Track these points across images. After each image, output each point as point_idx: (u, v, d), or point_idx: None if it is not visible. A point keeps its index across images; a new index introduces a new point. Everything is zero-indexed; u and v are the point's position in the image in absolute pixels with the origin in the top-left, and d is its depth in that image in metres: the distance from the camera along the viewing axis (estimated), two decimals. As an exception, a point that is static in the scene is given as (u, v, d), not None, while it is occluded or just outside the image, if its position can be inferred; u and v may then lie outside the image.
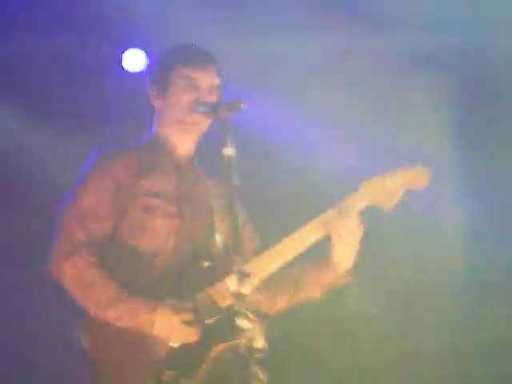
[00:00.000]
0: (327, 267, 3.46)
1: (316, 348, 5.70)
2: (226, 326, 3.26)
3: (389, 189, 3.43)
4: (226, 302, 3.30)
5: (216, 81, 3.57)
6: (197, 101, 3.46)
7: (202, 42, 3.70)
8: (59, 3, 5.34)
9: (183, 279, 3.37)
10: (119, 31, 5.42)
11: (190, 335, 3.26)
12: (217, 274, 3.36)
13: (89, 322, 3.31)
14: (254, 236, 3.70)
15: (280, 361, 5.05)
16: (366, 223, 3.45)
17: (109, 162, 3.48)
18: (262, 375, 2.88)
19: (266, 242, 3.59)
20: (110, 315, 3.26)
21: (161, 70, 3.60)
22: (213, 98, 3.52)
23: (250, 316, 2.90)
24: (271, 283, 3.51)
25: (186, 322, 3.27)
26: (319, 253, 3.53)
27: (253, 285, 3.00)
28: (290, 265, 3.49)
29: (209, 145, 3.59)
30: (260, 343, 2.90)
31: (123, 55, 5.54)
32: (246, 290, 2.93)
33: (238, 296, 2.93)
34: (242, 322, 2.90)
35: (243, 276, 2.94)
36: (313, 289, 3.52)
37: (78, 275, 3.30)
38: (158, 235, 3.42)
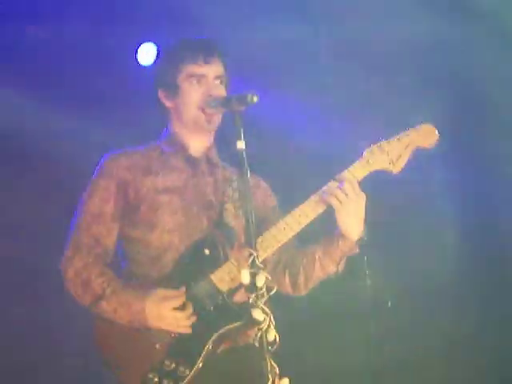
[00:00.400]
0: (336, 238, 3.49)
1: (328, 341, 5.73)
2: (225, 310, 3.32)
3: (393, 152, 3.47)
4: (226, 286, 3.35)
5: (222, 71, 3.58)
6: (207, 95, 3.48)
7: (212, 32, 3.70)
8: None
9: (187, 269, 3.41)
10: (133, 24, 5.45)
11: (181, 321, 3.30)
12: (219, 260, 3.39)
13: (98, 321, 3.39)
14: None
15: (293, 353, 5.11)
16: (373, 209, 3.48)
17: (112, 164, 3.54)
18: (275, 367, 2.91)
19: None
20: (106, 308, 3.34)
21: (166, 72, 3.60)
22: (221, 90, 3.54)
23: (265, 308, 2.93)
24: (287, 264, 3.57)
25: (176, 309, 3.31)
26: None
27: (267, 275, 3.02)
28: (304, 244, 3.54)
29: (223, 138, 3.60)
30: (272, 335, 2.93)
31: (138, 49, 5.55)
32: (260, 282, 2.96)
33: (253, 288, 2.96)
34: (256, 314, 2.93)
35: (257, 269, 2.97)
36: (326, 262, 3.53)
37: (77, 275, 3.40)
38: (165, 231, 3.46)
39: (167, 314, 3.30)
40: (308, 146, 5.80)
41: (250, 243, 3.03)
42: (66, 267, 3.43)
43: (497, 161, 5.85)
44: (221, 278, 3.36)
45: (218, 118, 3.55)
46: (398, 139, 3.50)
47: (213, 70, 3.56)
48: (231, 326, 3.32)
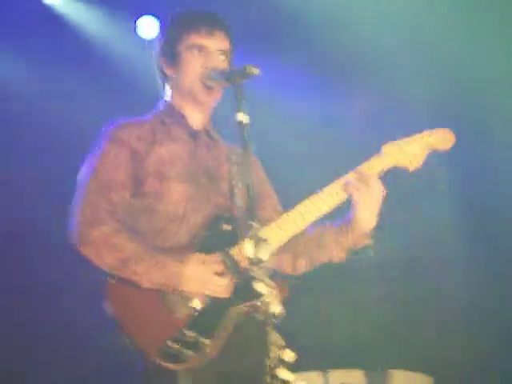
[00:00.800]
0: (349, 228, 3.48)
1: (331, 313, 5.74)
2: (245, 287, 3.26)
3: (411, 151, 3.50)
4: (244, 263, 3.32)
5: (226, 45, 3.55)
6: (208, 68, 3.45)
7: (215, 7, 3.68)
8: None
9: (204, 243, 3.39)
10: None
11: (223, 287, 3.29)
12: (238, 236, 3.38)
13: (114, 285, 3.32)
14: (272, 195, 3.73)
15: (298, 328, 5.12)
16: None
17: (123, 132, 3.49)
18: (279, 340, 2.90)
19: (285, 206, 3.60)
20: (139, 270, 3.27)
21: (168, 40, 3.59)
22: (224, 64, 3.51)
23: (267, 281, 2.91)
24: (292, 245, 3.53)
25: (218, 274, 3.29)
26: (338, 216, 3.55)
27: (271, 249, 3.00)
28: (311, 227, 3.51)
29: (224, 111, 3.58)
30: (277, 308, 2.91)
31: (137, 22, 5.54)
32: (263, 254, 2.95)
33: (255, 261, 2.94)
34: (258, 287, 2.92)
35: (259, 241, 2.95)
36: (336, 250, 3.53)
37: (105, 239, 3.31)
38: (174, 201, 3.43)
39: (209, 278, 3.28)
40: (315, 134, 5.82)
41: (252, 215, 3.00)
42: (87, 230, 3.32)
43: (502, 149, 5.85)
44: (239, 255, 3.34)
45: (217, 93, 3.53)
46: (414, 139, 3.54)
47: (216, 43, 3.53)
48: (250, 304, 3.29)
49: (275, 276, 3.05)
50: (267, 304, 2.90)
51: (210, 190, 3.51)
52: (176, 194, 3.45)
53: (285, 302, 2.98)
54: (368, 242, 3.51)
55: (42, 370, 5.53)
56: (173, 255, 3.32)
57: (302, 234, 3.52)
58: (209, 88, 3.49)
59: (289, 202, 3.56)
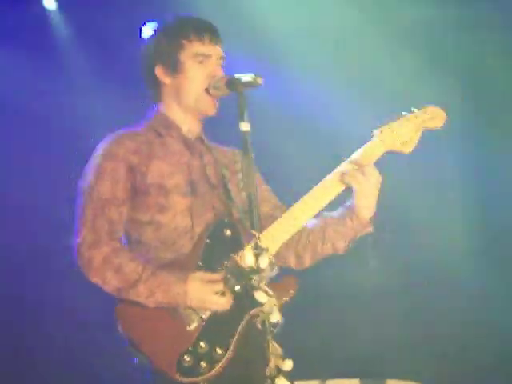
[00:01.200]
0: (350, 218, 3.46)
1: (338, 319, 5.73)
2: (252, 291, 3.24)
3: (403, 133, 3.47)
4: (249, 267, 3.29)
5: (222, 53, 3.54)
6: (211, 77, 3.44)
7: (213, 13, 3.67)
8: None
9: (209, 250, 3.37)
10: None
11: (223, 305, 3.27)
12: (240, 241, 3.36)
13: (122, 308, 3.31)
14: (271, 197, 3.71)
15: (301, 332, 5.13)
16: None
17: (118, 146, 3.46)
18: (278, 349, 2.91)
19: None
20: (143, 291, 3.26)
21: (167, 47, 3.52)
22: (221, 72, 3.49)
23: (268, 290, 2.92)
24: (295, 240, 3.52)
25: (218, 293, 3.28)
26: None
27: (271, 258, 3.00)
28: (312, 221, 3.50)
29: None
30: (276, 317, 2.92)
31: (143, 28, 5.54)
32: (263, 263, 2.95)
33: (255, 270, 2.95)
34: (259, 296, 2.92)
35: (260, 250, 2.96)
36: (338, 242, 3.51)
37: (107, 261, 3.30)
38: (177, 213, 3.42)
39: (209, 298, 3.26)
40: (314, 125, 5.80)
41: (253, 224, 3.01)
42: (89, 253, 3.32)
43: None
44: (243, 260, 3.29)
45: (217, 102, 3.51)
46: (407, 119, 3.49)
47: (217, 51, 3.51)
48: (257, 309, 3.21)
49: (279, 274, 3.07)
50: (267, 314, 2.90)
51: (210, 198, 3.50)
52: (180, 206, 3.43)
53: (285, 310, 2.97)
54: (369, 230, 3.50)
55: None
56: (175, 269, 3.32)
57: (304, 228, 3.51)
58: (212, 97, 3.47)
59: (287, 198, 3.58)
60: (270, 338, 2.89)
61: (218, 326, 3.27)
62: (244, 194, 3.37)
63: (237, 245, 3.35)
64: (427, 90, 5.33)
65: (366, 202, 3.43)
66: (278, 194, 3.74)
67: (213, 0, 5.26)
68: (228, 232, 3.39)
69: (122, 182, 3.42)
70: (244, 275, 3.22)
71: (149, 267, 3.31)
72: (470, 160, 5.91)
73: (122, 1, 5.66)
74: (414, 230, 5.85)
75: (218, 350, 3.25)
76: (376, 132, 3.47)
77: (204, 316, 3.28)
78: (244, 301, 3.26)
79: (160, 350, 3.24)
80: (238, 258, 3.30)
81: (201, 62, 3.48)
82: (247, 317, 3.26)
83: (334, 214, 3.53)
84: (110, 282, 3.29)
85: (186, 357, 3.23)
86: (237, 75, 3.31)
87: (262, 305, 2.92)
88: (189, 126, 3.57)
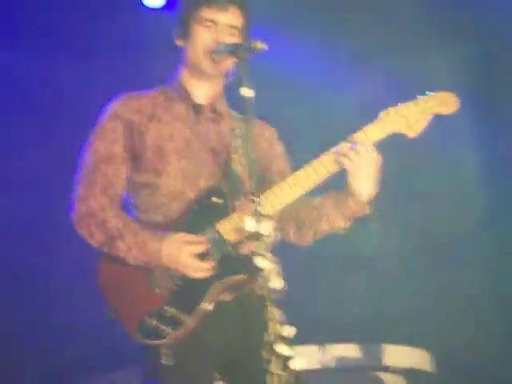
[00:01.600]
0: (347, 197, 3.43)
1: (339, 285, 5.75)
2: (231, 261, 3.30)
3: (410, 115, 3.41)
4: (232, 237, 3.32)
5: (238, 22, 3.51)
6: (215, 42, 3.43)
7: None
8: None
9: (195, 216, 3.38)
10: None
11: (201, 270, 3.28)
12: (226, 210, 3.37)
13: (104, 259, 3.37)
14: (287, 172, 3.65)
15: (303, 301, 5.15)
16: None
17: (120, 105, 3.50)
18: (279, 315, 2.91)
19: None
20: (120, 246, 3.31)
21: (182, 10, 3.57)
22: (234, 40, 3.46)
23: (267, 256, 2.92)
24: (295, 215, 3.53)
25: (197, 255, 3.29)
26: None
27: (273, 224, 3.00)
28: (312, 197, 3.50)
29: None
30: (277, 283, 2.92)
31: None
32: (265, 230, 2.94)
33: (257, 236, 2.94)
34: (258, 262, 2.92)
35: (261, 216, 2.95)
36: (336, 219, 3.49)
37: (92, 215, 3.36)
38: (172, 177, 3.43)
39: (184, 259, 3.27)
40: (319, 99, 5.79)
41: (253, 190, 3.01)
42: (79, 206, 3.39)
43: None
44: (227, 228, 3.33)
45: (224, 65, 3.50)
46: (416, 103, 3.43)
47: (227, 18, 3.49)
48: (236, 278, 3.30)
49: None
50: (266, 278, 2.91)
51: (209, 165, 3.50)
52: (175, 169, 3.44)
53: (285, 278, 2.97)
54: (366, 211, 3.46)
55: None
56: (159, 231, 3.33)
57: (305, 204, 3.51)
58: (215, 62, 3.46)
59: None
60: (268, 303, 2.89)
61: (188, 292, 3.29)
62: (244, 160, 3.37)
63: (225, 214, 3.36)
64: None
65: (360, 183, 3.37)
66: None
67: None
68: (218, 200, 3.39)
69: (121, 140, 3.45)
70: (224, 244, 3.28)
71: (131, 225, 3.36)
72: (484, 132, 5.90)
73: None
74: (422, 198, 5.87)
75: (182, 315, 3.27)
76: (381, 113, 3.42)
77: (177, 280, 3.30)
78: (220, 270, 3.29)
79: (126, 307, 3.30)
80: (219, 226, 3.33)
81: (207, 28, 3.48)
82: (223, 283, 3.28)
83: (335, 192, 3.50)
84: (93, 236, 3.35)
85: (150, 319, 3.27)
86: (239, 41, 3.33)
87: (260, 270, 2.92)
88: (199, 90, 3.57)
